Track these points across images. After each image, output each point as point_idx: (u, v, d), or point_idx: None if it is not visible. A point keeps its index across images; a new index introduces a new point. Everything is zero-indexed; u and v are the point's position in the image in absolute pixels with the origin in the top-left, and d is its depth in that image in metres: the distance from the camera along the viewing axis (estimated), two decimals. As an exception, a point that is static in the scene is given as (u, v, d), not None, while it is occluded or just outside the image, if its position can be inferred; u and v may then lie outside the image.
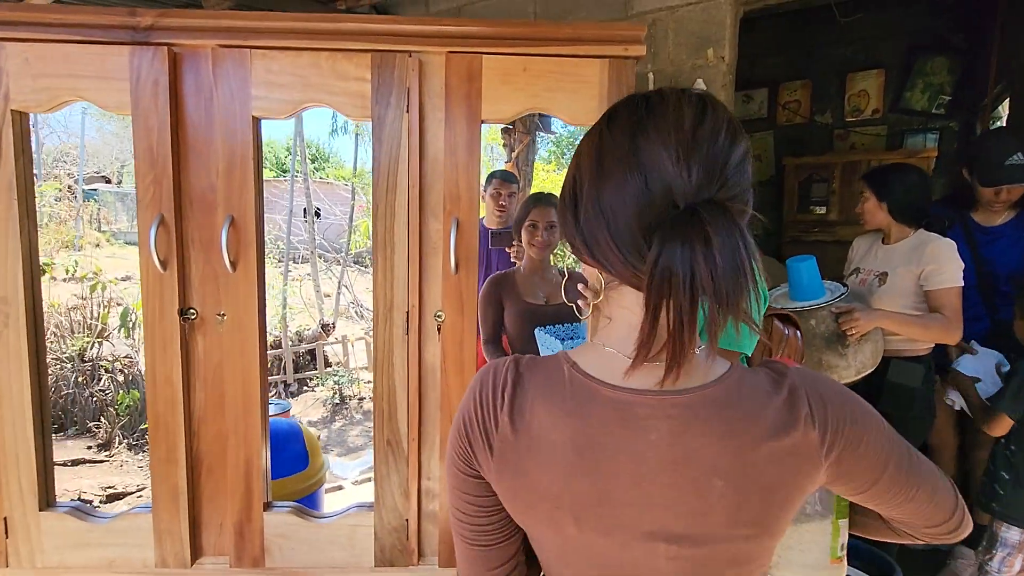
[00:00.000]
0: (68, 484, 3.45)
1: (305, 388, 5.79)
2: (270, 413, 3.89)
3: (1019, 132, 2.41)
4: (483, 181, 2.76)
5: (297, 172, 7.15)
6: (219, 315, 1.27)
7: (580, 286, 1.30)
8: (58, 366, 4.48)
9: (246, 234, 1.25)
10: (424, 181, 1.26)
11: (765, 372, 0.61)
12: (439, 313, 1.29)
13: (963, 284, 1.83)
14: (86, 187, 9.56)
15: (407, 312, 1.28)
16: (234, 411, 1.29)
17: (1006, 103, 3.00)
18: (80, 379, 4.45)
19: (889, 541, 0.73)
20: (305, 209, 7.01)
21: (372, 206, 1.26)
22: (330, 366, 6.02)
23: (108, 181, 11.59)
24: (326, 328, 6.38)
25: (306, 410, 5.34)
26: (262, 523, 1.32)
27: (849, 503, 0.86)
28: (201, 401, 1.30)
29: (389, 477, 1.32)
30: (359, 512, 1.35)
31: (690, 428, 0.56)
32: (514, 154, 3.82)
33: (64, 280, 6.15)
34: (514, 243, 2.38)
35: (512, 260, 2.44)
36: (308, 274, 7.39)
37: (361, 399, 5.47)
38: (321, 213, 9.05)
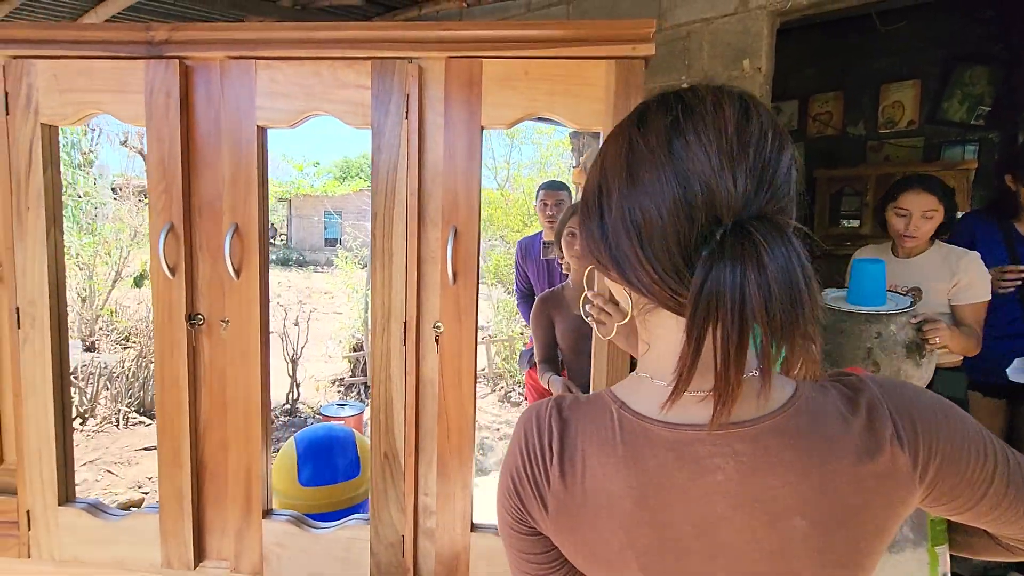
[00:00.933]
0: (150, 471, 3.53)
1: None
2: (348, 414, 3.85)
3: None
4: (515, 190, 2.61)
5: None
6: (223, 321, 1.17)
7: (598, 302, 1.14)
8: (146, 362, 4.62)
9: (249, 242, 1.15)
10: (423, 189, 1.13)
11: (837, 389, 0.49)
12: (437, 324, 1.15)
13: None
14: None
15: (405, 323, 1.15)
16: (235, 418, 1.19)
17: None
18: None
19: (1001, 560, 0.58)
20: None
21: (372, 214, 1.14)
22: None
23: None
24: None
25: None
26: (261, 531, 1.20)
27: (947, 522, 0.69)
28: (206, 406, 1.20)
29: (386, 492, 1.18)
30: (356, 525, 1.21)
31: (761, 464, 0.46)
32: (582, 158, 3.59)
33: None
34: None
35: (564, 272, 2.26)
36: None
37: None
38: None
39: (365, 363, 5.67)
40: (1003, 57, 3.06)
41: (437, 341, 1.15)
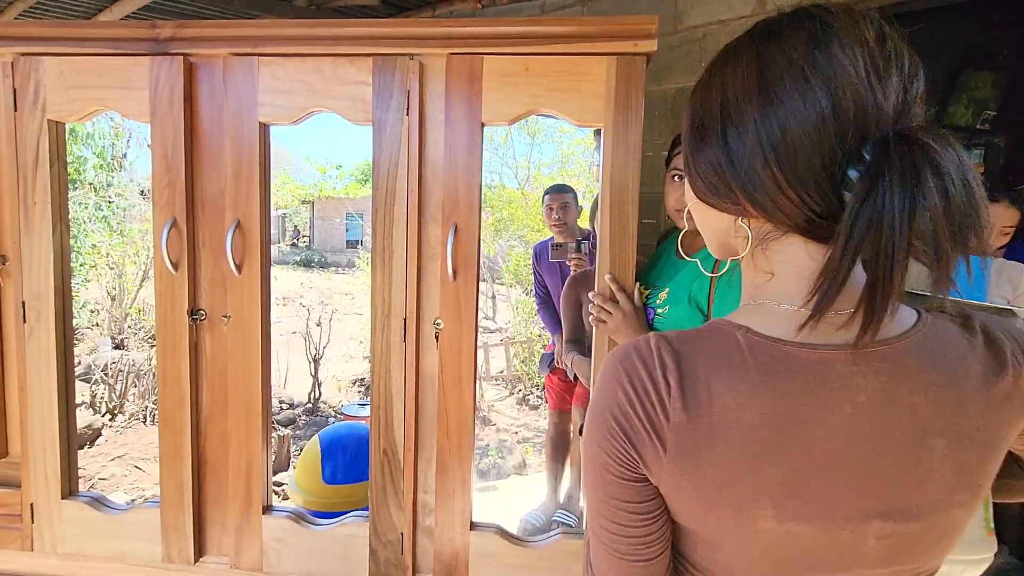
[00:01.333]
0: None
1: None
2: (369, 414, 3.86)
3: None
4: (478, 185, 2.56)
5: None
6: (224, 317, 1.13)
7: (598, 301, 1.08)
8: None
9: (251, 238, 1.11)
10: (424, 186, 1.08)
11: (946, 317, 0.47)
12: (438, 321, 1.10)
13: None
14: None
15: (404, 319, 1.09)
16: (236, 413, 1.14)
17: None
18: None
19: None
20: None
21: (372, 211, 1.09)
22: None
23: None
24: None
25: None
26: (261, 526, 1.16)
27: None
28: (208, 401, 1.16)
29: (385, 489, 1.13)
30: (355, 522, 1.16)
31: (903, 383, 0.43)
32: None
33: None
34: (573, 256, 2.16)
35: (573, 272, 2.19)
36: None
37: None
38: None
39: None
40: (1009, 62, 2.95)
41: (437, 338, 1.10)
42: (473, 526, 1.13)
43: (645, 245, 1.29)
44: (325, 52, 1.07)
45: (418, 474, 1.12)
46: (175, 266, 1.11)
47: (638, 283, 1.08)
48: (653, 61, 2.12)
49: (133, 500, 3.30)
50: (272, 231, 1.22)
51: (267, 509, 1.17)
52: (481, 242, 1.09)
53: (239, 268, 1.11)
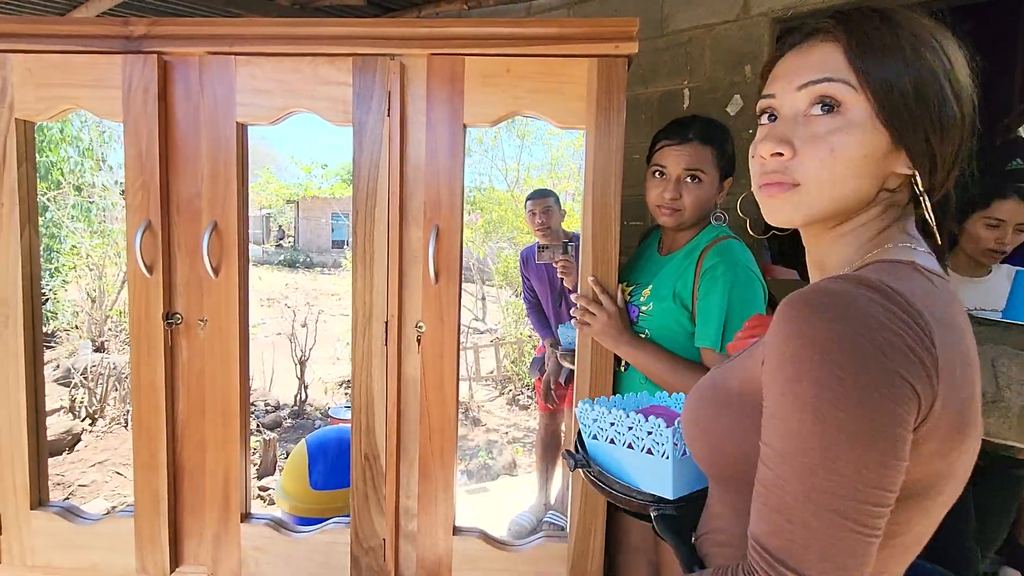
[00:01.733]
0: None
1: None
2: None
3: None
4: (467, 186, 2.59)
5: None
6: (201, 321, 1.10)
7: (582, 302, 1.07)
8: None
9: (229, 240, 1.09)
10: (405, 188, 1.06)
11: None
12: (420, 324, 1.08)
13: None
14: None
15: (386, 322, 1.08)
16: (214, 419, 1.11)
17: (1029, 123, 2.57)
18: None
19: None
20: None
21: (352, 213, 1.07)
22: None
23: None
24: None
25: None
26: (239, 535, 1.13)
27: None
28: (185, 407, 1.13)
29: (366, 494, 1.11)
30: (336, 529, 1.14)
31: None
32: None
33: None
34: (560, 258, 2.15)
35: (559, 275, 2.19)
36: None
37: None
38: None
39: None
40: (982, 68, 3.02)
41: (419, 341, 1.08)
42: (456, 531, 1.11)
43: (633, 247, 1.29)
44: (304, 52, 1.05)
45: (400, 479, 1.10)
46: (149, 269, 1.08)
47: (621, 283, 1.08)
48: (639, 64, 2.13)
49: (114, 507, 3.22)
50: (256, 231, 1.19)
51: (246, 517, 1.14)
52: (464, 244, 1.08)
53: (216, 271, 1.09)
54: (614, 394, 1.06)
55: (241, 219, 1.09)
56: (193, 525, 1.14)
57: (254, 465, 3.73)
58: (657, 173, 1.07)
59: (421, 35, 1.03)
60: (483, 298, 9.21)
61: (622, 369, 1.10)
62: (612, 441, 0.68)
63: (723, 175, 1.08)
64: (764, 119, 0.51)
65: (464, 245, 1.01)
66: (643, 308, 1.07)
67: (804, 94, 0.47)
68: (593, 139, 1.02)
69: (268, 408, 5.10)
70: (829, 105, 0.46)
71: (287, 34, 1.04)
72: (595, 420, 0.70)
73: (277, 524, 1.14)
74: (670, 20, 2.07)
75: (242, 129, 1.08)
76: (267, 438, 3.86)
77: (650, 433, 0.64)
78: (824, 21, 0.48)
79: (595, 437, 0.70)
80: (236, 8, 2.20)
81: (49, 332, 5.66)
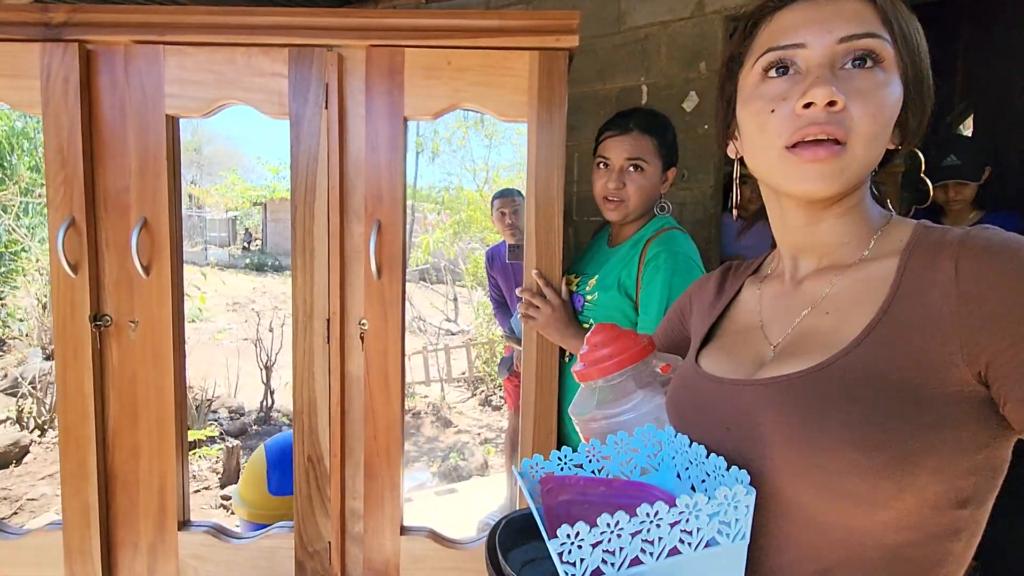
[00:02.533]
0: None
1: None
2: None
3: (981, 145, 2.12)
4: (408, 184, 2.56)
5: None
6: (131, 322, 1.05)
7: (526, 296, 1.06)
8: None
9: (160, 237, 1.04)
10: (345, 182, 1.03)
11: None
12: (363, 321, 1.05)
13: None
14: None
15: (328, 320, 1.04)
16: (147, 424, 1.06)
17: (969, 120, 2.70)
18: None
19: None
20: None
21: (291, 208, 1.04)
22: None
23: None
24: None
25: None
26: (176, 544, 1.08)
27: None
28: (116, 413, 1.07)
29: (310, 497, 1.07)
30: (279, 534, 1.10)
31: None
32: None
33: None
34: None
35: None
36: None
37: (416, 413, 4.96)
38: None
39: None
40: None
41: (362, 339, 1.05)
42: (404, 530, 1.08)
43: (588, 243, 1.28)
44: (237, 42, 1.00)
45: (345, 480, 1.07)
46: (74, 268, 1.02)
47: (565, 276, 1.07)
48: (598, 60, 2.13)
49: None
50: (223, 234, 1.14)
51: (183, 525, 1.09)
52: (435, 245, 1.06)
53: (147, 270, 1.03)
54: (559, 391, 1.06)
55: (173, 215, 1.04)
56: (127, 535, 1.09)
57: (216, 474, 3.60)
58: (602, 164, 1.07)
59: (359, 25, 1.00)
60: (455, 299, 9.15)
61: (567, 360, 1.09)
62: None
63: (666, 165, 1.08)
64: (775, 73, 0.45)
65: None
66: (588, 298, 1.07)
67: (845, 47, 0.42)
68: (535, 132, 1.01)
69: (233, 415, 4.94)
70: (863, 59, 0.42)
71: (219, 23, 1.00)
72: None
73: (217, 531, 1.10)
74: (627, 16, 2.09)
75: (172, 122, 1.03)
76: (230, 445, 3.74)
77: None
78: None
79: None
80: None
81: (-3, 340, 5.36)
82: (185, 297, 1.09)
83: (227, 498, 3.38)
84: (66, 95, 1.00)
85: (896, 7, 0.44)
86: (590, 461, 0.51)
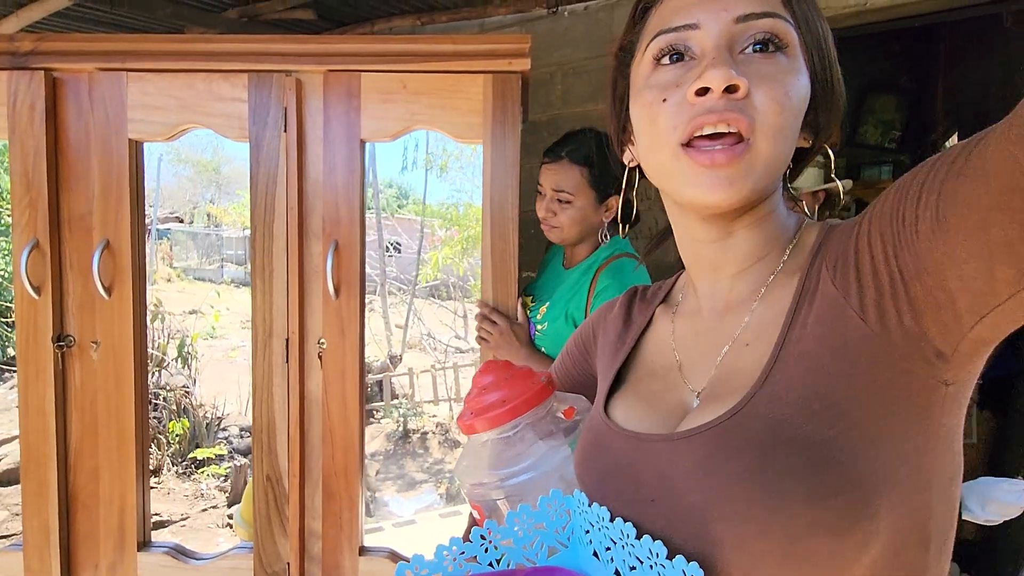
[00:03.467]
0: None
1: (371, 420, 5.04)
2: None
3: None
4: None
5: (369, 207, 6.63)
6: (93, 343, 1.05)
7: (483, 312, 1.05)
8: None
9: (122, 258, 1.04)
10: (304, 203, 1.04)
11: None
12: (321, 340, 1.05)
13: None
14: (160, 226, 9.68)
15: (287, 339, 1.04)
16: (108, 444, 1.06)
17: (954, 138, 2.69)
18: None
19: None
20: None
21: (251, 229, 1.04)
22: (396, 398, 5.22)
23: (181, 221, 11.76)
24: (393, 360, 5.79)
25: (370, 443, 4.64)
26: (136, 564, 1.07)
27: None
28: (78, 433, 1.07)
29: (269, 517, 1.06)
30: (239, 554, 1.08)
31: None
32: None
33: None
34: None
35: None
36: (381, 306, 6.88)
37: (424, 433, 4.85)
38: (402, 247, 8.73)
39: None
40: (908, 87, 3.16)
41: (320, 358, 1.05)
42: (363, 550, 1.07)
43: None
44: (198, 68, 1.02)
45: (304, 500, 1.06)
46: (37, 290, 1.03)
47: (521, 297, 1.07)
48: (590, 82, 2.16)
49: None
50: (239, 252, 1.15)
51: (143, 545, 1.08)
52: (444, 262, 1.06)
53: (109, 291, 1.04)
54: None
55: (136, 237, 1.05)
56: (87, 556, 1.08)
57: (224, 492, 3.56)
58: (538, 190, 1.08)
59: (317, 52, 1.01)
60: (464, 316, 9.09)
61: None
62: None
63: (601, 196, 1.03)
64: (667, 60, 0.39)
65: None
66: (539, 327, 1.06)
67: (743, 27, 0.37)
68: (490, 152, 1.01)
69: (243, 433, 4.91)
70: (765, 43, 0.37)
71: (180, 50, 1.02)
72: None
73: (177, 551, 1.09)
74: (611, 39, 2.11)
75: (136, 146, 1.05)
76: (238, 464, 3.70)
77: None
78: None
79: None
80: (180, 21, 2.16)
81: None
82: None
83: (230, 517, 3.34)
84: (32, 121, 1.02)
85: None
86: (486, 551, 0.40)
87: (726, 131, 0.35)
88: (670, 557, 0.32)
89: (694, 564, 0.31)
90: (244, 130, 1.03)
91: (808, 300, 0.37)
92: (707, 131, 0.36)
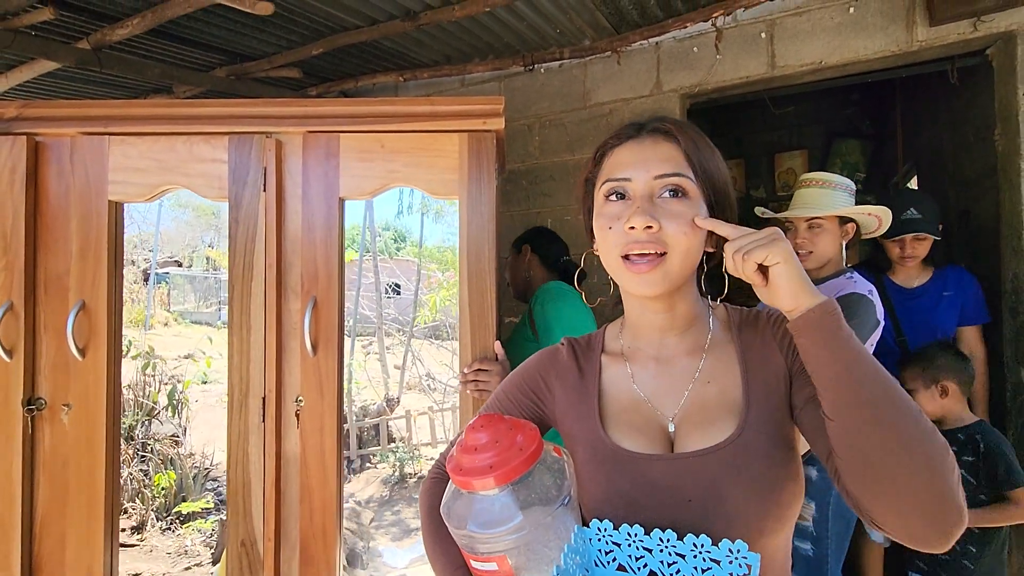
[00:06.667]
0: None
1: (368, 465, 4.70)
2: None
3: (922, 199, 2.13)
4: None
5: (367, 251, 6.36)
6: (65, 406, 1.00)
7: (477, 366, 1.02)
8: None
9: (97, 319, 1.01)
10: (283, 260, 1.02)
11: None
12: (299, 398, 1.01)
13: None
14: (159, 270, 9.58)
15: (263, 398, 1.00)
16: (77, 512, 1.00)
17: (914, 180, 2.76)
18: (123, 458, 4.03)
19: None
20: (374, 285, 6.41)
21: (228, 287, 1.02)
22: (393, 441, 4.94)
23: (180, 264, 11.66)
24: (391, 403, 5.71)
25: (365, 488, 4.30)
26: (101, 640, 0.99)
27: None
28: (46, 499, 1.01)
29: (242, 584, 0.99)
30: (210, 625, 1.01)
31: None
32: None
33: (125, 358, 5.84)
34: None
35: None
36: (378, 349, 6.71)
37: (421, 477, 4.50)
38: (400, 289, 8.68)
39: (348, 438, 5.00)
40: (870, 132, 3.26)
41: (298, 416, 1.01)
42: (341, 619, 1.00)
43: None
44: (180, 131, 1.02)
45: (280, 564, 1.00)
46: (9, 353, 0.99)
47: (498, 340, 1.04)
48: (567, 133, 2.19)
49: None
50: None
51: (110, 619, 1.00)
52: (442, 304, 1.04)
53: (83, 352, 1.00)
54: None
55: (113, 298, 1.02)
56: (50, 633, 0.99)
57: (209, 549, 3.36)
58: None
59: (297, 114, 1.01)
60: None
61: None
62: None
63: (518, 251, 1.40)
64: (614, 197, 0.55)
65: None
66: None
67: (660, 183, 0.54)
68: (466, 208, 1.01)
69: None
70: (675, 191, 0.54)
71: (163, 114, 1.01)
72: None
73: (145, 625, 1.01)
74: (592, 94, 2.16)
75: (116, 207, 1.03)
76: (223, 519, 3.51)
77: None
78: (664, 124, 0.56)
79: None
80: (169, 80, 2.18)
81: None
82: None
83: (212, 576, 3.15)
84: (12, 185, 1.00)
85: (699, 150, 0.55)
86: None
87: (650, 252, 0.53)
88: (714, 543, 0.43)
89: (739, 541, 0.42)
90: (224, 189, 1.02)
91: (754, 357, 0.56)
92: (636, 251, 0.53)
